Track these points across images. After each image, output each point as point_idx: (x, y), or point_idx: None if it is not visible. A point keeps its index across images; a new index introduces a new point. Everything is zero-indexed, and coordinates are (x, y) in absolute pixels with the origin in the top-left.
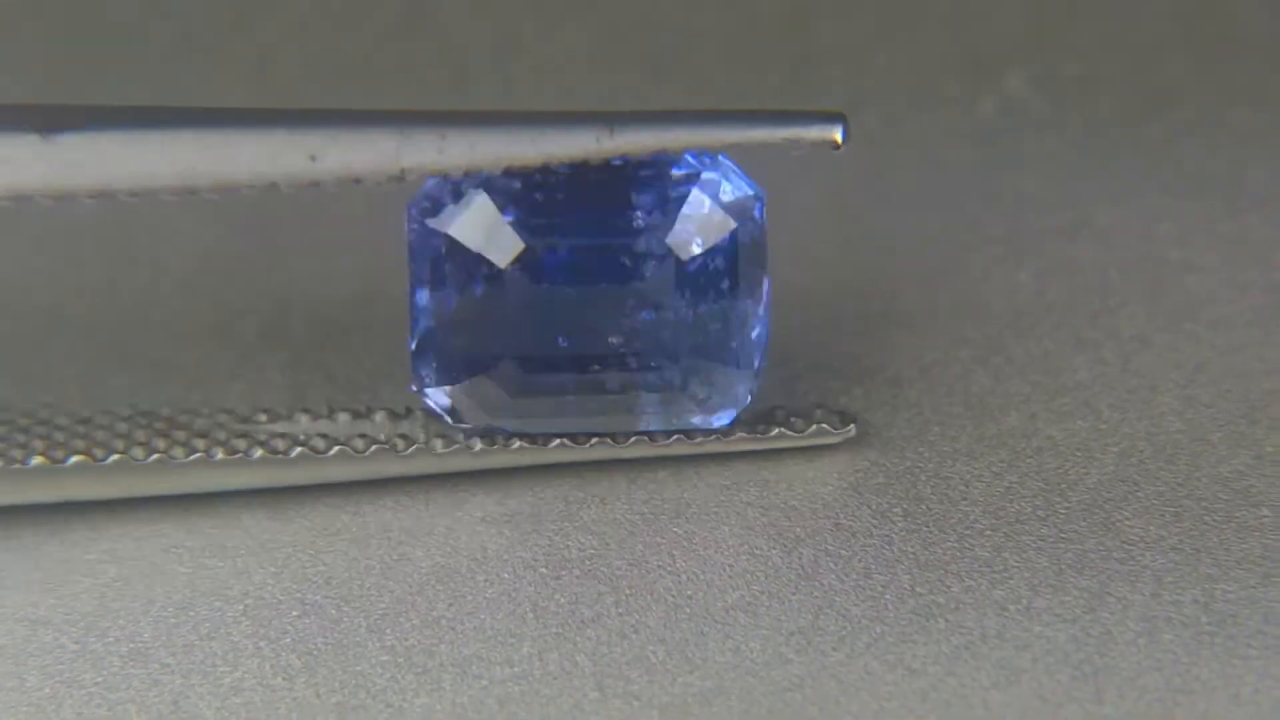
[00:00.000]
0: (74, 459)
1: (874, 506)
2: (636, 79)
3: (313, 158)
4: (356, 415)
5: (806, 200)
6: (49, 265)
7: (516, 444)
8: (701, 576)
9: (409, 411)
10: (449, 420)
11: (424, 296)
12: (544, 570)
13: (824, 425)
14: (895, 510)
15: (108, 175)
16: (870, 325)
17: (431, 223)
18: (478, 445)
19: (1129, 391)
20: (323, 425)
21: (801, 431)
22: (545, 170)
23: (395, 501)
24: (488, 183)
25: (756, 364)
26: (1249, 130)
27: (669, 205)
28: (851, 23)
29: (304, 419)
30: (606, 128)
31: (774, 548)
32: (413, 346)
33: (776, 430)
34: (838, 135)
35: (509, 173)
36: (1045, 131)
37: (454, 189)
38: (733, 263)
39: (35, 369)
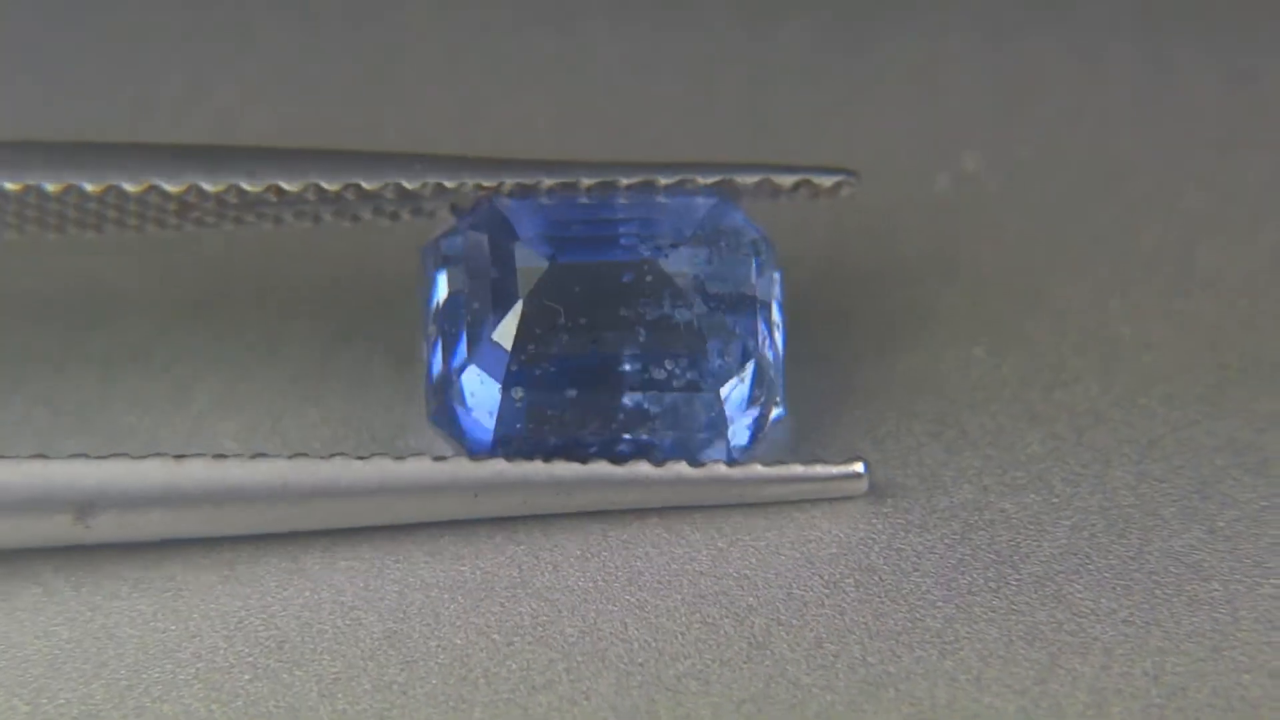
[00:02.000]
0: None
1: (826, 576)
2: (596, 145)
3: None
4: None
5: None
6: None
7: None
8: (653, 644)
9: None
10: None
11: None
12: (496, 637)
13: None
14: (848, 580)
15: (138, 539)
16: (825, 397)
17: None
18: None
19: (1082, 466)
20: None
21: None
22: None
23: (348, 565)
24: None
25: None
26: (1200, 210)
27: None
28: (809, 96)
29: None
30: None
31: (725, 616)
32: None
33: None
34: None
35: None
36: (1000, 207)
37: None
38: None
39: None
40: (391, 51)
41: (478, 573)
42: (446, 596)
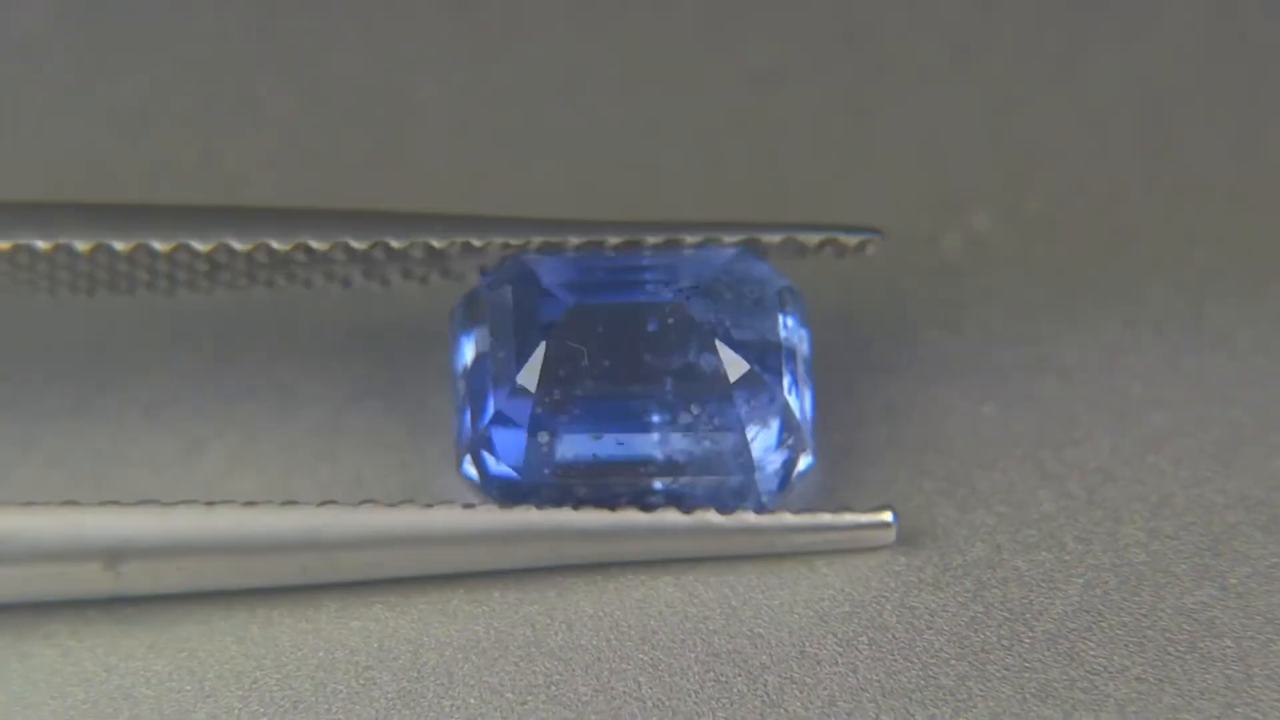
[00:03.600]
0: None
1: (840, 634)
2: (606, 208)
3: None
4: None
5: None
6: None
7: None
8: (667, 703)
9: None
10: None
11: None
12: (510, 696)
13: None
14: (861, 639)
15: (168, 589)
16: (835, 456)
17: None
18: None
19: (1094, 523)
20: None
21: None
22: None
23: (361, 625)
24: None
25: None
26: (1209, 268)
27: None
28: (817, 158)
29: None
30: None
31: (739, 675)
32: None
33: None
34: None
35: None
36: (1010, 267)
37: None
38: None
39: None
40: (402, 120)
41: (491, 632)
42: (460, 656)
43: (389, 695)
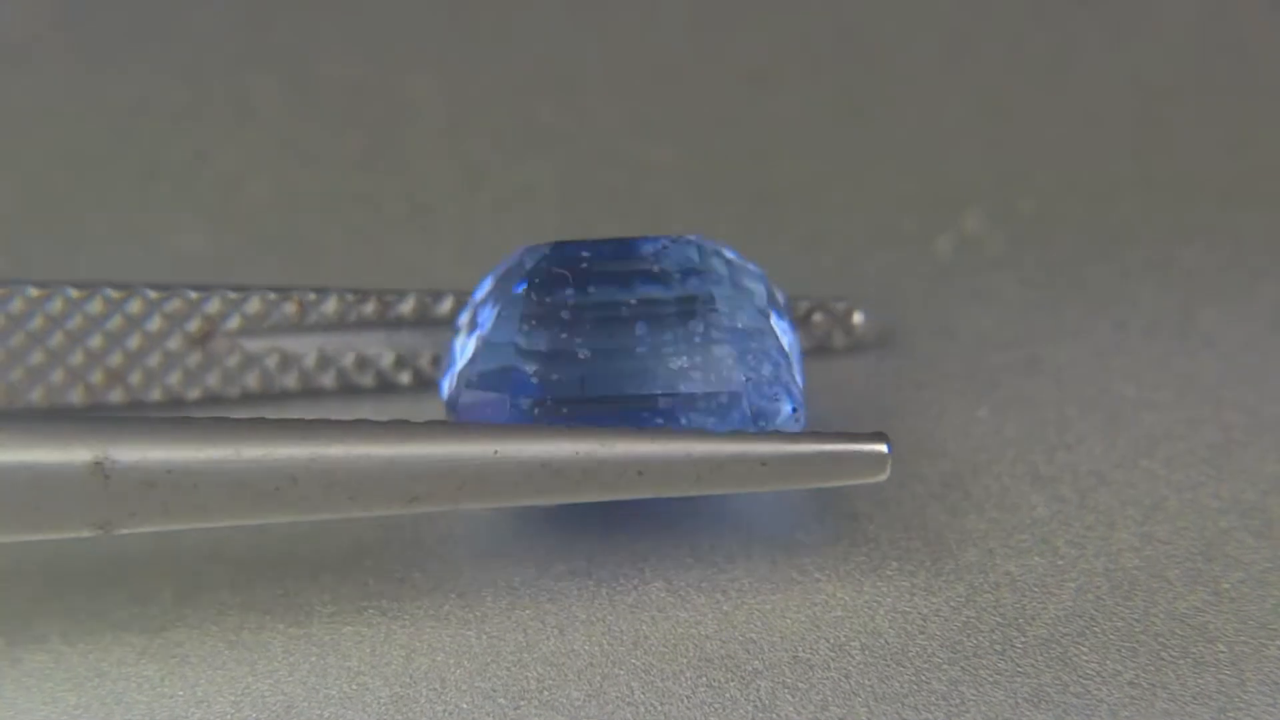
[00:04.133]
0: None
1: (831, 640)
2: (597, 213)
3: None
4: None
5: None
6: None
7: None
8: (659, 708)
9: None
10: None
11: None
12: (502, 701)
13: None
14: (853, 644)
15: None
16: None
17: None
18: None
19: (1086, 528)
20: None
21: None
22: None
23: (354, 630)
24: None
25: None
26: (1201, 269)
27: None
28: (809, 159)
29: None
30: (636, 472)
31: (731, 680)
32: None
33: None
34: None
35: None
36: (1001, 269)
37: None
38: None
39: None
40: (394, 119)
41: (484, 637)
42: (453, 661)
43: (381, 700)
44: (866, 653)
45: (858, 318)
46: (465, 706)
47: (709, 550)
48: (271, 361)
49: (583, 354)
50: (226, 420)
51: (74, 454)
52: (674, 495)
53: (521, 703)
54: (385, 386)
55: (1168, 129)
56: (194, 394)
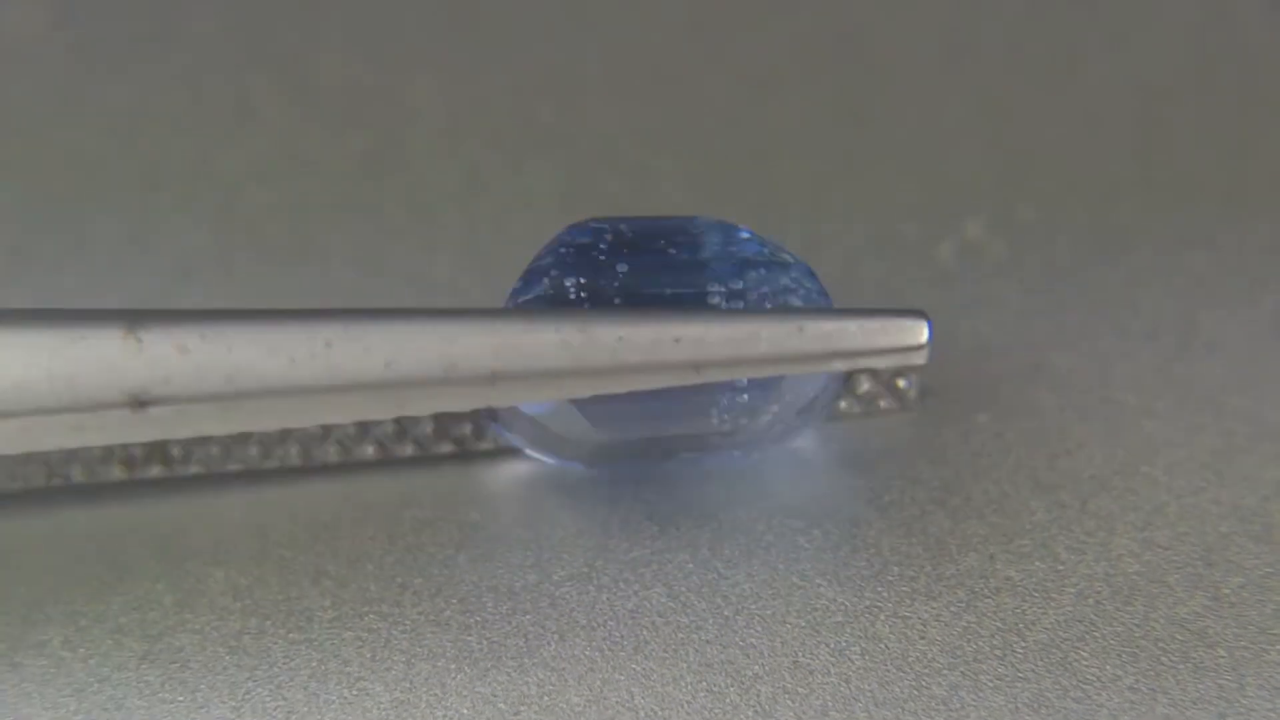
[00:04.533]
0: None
1: (832, 645)
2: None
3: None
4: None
5: None
6: None
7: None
8: (660, 713)
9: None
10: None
11: None
12: (503, 706)
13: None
14: (853, 649)
15: (200, 432)
16: (829, 465)
17: None
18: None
19: (1086, 533)
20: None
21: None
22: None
23: (354, 635)
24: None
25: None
26: (1203, 275)
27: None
28: (811, 165)
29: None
30: (691, 364)
31: (731, 685)
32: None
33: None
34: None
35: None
36: (1003, 275)
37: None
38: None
39: None
40: (395, 124)
41: (484, 642)
42: (453, 666)
43: (382, 705)
44: (867, 658)
45: (903, 384)
46: (466, 712)
47: (709, 556)
48: (311, 431)
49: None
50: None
51: (107, 325)
52: (710, 365)
53: (522, 708)
54: (427, 457)
55: (1169, 133)
56: (233, 467)
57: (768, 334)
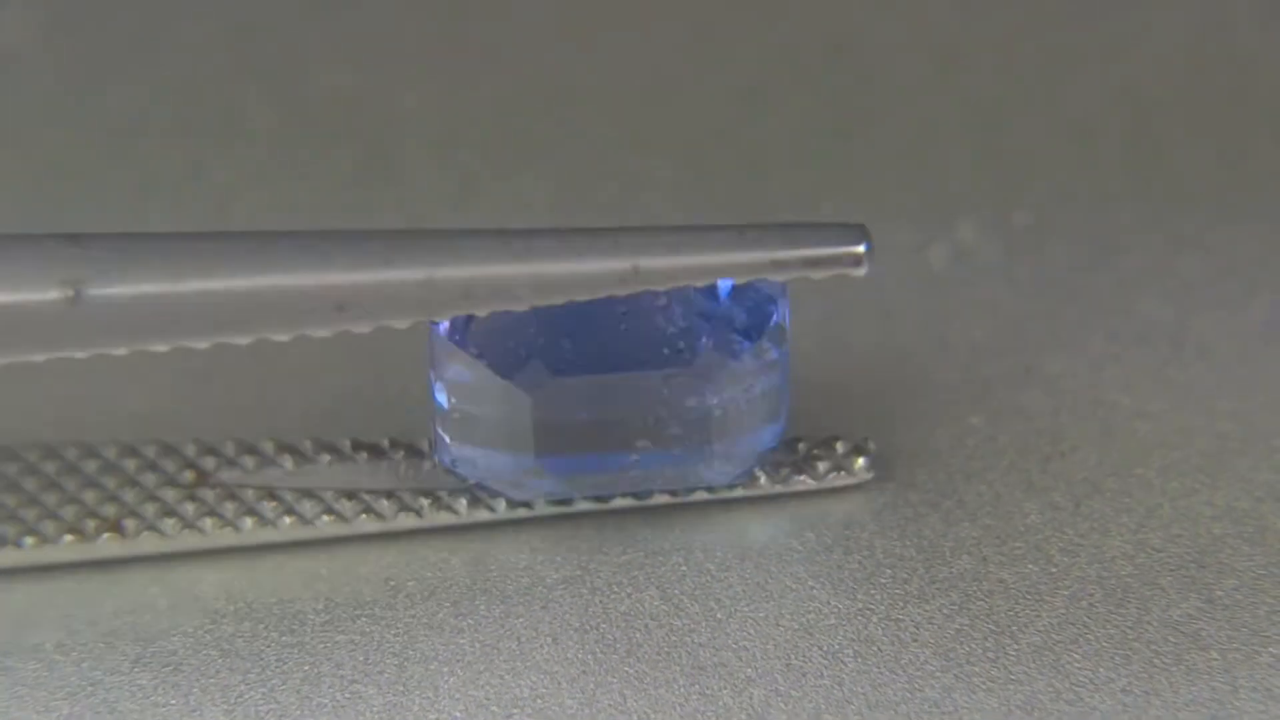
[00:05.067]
0: (105, 536)
1: (825, 647)
2: (592, 221)
3: (340, 308)
4: (375, 454)
5: None
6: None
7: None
8: (652, 716)
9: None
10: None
11: (442, 397)
12: (495, 709)
13: (841, 471)
14: (846, 651)
15: (137, 334)
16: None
17: (454, 341)
18: (501, 506)
19: (1080, 536)
20: (346, 470)
21: (820, 476)
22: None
23: (347, 639)
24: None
25: (779, 420)
26: (1195, 278)
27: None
28: (802, 170)
29: (326, 459)
30: (630, 267)
31: (724, 688)
32: (436, 427)
33: (800, 477)
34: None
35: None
36: (995, 279)
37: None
38: (767, 344)
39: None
40: (387, 133)
41: (477, 645)
42: (446, 669)
43: (375, 709)
44: (860, 660)
45: (861, 463)
46: (459, 715)
47: (702, 559)
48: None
49: None
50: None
51: (44, 239)
52: (650, 271)
53: (515, 711)
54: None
55: (1163, 141)
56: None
57: (709, 239)
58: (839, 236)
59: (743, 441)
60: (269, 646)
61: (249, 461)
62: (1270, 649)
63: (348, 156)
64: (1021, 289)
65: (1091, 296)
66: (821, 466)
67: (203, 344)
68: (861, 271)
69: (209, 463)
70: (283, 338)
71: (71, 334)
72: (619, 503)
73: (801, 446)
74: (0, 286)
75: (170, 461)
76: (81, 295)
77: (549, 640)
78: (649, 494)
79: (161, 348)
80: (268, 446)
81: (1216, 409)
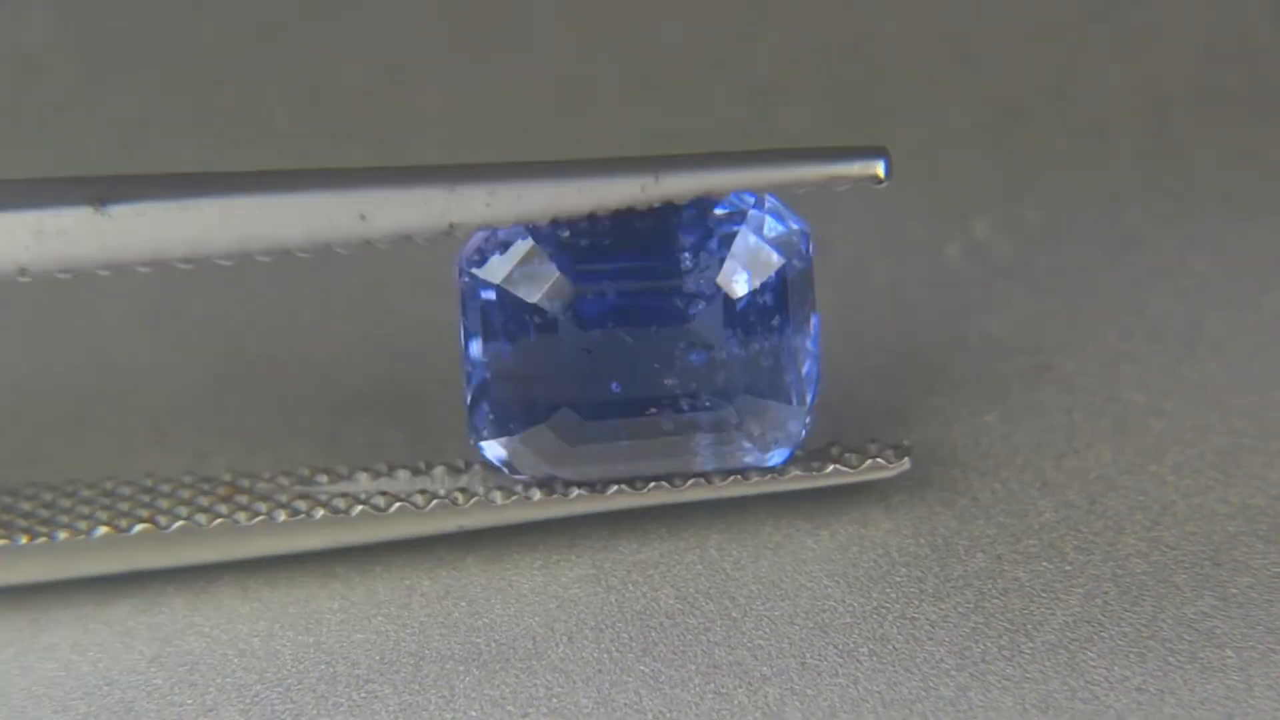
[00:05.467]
0: (139, 527)
1: (840, 645)
2: None
3: (363, 217)
4: (416, 472)
5: None
6: (94, 338)
7: (575, 492)
8: (668, 715)
9: (468, 465)
10: (506, 471)
11: (477, 348)
12: (511, 708)
13: (879, 460)
14: (861, 649)
15: (162, 244)
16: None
17: (481, 274)
18: (536, 495)
19: (1094, 533)
20: (383, 484)
21: (856, 467)
22: (592, 218)
23: (364, 638)
24: (535, 232)
25: (810, 400)
26: (1209, 276)
27: (716, 244)
28: None
29: (364, 477)
30: (652, 174)
31: (739, 686)
32: (468, 399)
33: (831, 467)
34: (880, 170)
35: (556, 222)
36: (1010, 276)
37: (502, 241)
38: (782, 299)
39: (89, 440)
40: (401, 130)
41: (492, 644)
42: (461, 669)
43: (391, 709)
44: (875, 659)
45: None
46: (474, 714)
47: (717, 557)
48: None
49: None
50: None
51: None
52: (670, 170)
53: (530, 710)
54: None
55: (1177, 137)
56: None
57: (728, 157)
58: (861, 163)
59: (768, 409)
60: (285, 646)
61: (285, 480)
62: None
63: (360, 153)
64: (1036, 286)
65: (1106, 294)
66: (855, 459)
67: (226, 258)
68: (882, 186)
69: (245, 483)
70: (305, 253)
71: (97, 246)
72: (651, 494)
73: (834, 450)
74: (30, 204)
75: (204, 483)
76: (106, 208)
77: (564, 639)
78: (684, 481)
79: (184, 263)
80: (304, 470)
81: (1230, 406)
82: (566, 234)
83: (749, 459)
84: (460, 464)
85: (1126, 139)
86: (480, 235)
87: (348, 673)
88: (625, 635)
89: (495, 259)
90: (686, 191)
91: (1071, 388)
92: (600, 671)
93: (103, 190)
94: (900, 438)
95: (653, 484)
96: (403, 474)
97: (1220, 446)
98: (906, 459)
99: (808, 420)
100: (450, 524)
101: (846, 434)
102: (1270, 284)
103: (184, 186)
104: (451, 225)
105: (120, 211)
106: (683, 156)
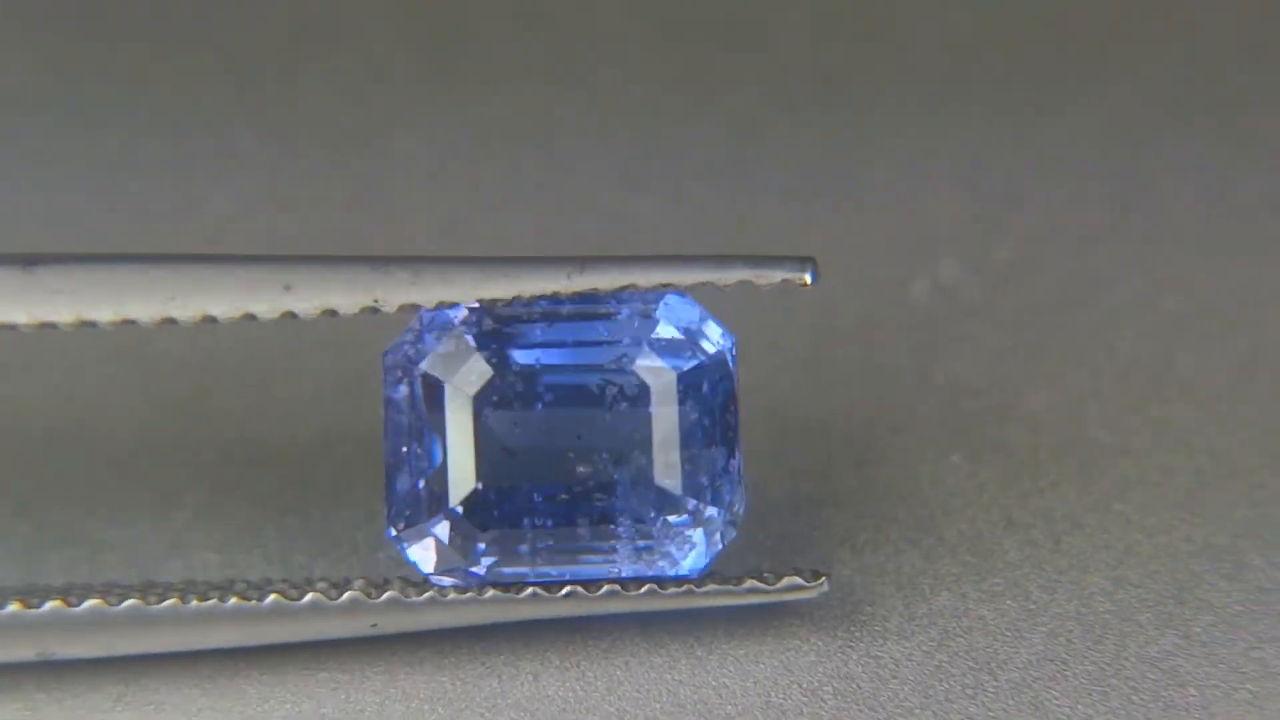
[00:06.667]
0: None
1: (804, 684)
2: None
3: (287, 287)
4: (334, 586)
5: (740, 379)
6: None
7: (490, 593)
8: None
9: (385, 583)
10: (422, 570)
11: (397, 442)
12: None
13: (797, 580)
14: (825, 689)
15: (89, 306)
16: (801, 505)
17: (400, 361)
18: (449, 595)
19: (1059, 572)
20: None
21: (773, 585)
22: (517, 315)
23: (329, 677)
24: (461, 321)
25: (736, 510)
26: (1177, 316)
27: (645, 348)
28: (788, 205)
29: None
30: (577, 266)
31: None
32: (387, 495)
33: (749, 583)
34: (808, 278)
35: (482, 307)
36: (977, 315)
37: (428, 328)
38: (708, 410)
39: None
40: (378, 168)
41: (458, 683)
42: (427, 708)
43: None
44: (839, 697)
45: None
46: None
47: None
48: None
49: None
50: None
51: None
52: (597, 261)
53: None
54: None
55: (1147, 177)
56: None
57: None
58: (788, 271)
59: (692, 515)
60: (250, 686)
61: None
62: (1248, 685)
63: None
64: (1003, 325)
65: (1073, 333)
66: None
67: (149, 319)
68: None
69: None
70: (229, 318)
71: (21, 302)
72: (564, 603)
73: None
74: None
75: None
76: (34, 267)
77: (529, 678)
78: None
79: (107, 321)
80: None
81: (1196, 446)
82: (491, 323)
83: (668, 568)
84: (379, 580)
85: (1096, 178)
86: (406, 332)
87: (313, 711)
88: (590, 674)
89: (417, 347)
90: (611, 284)
91: (1038, 426)
92: (565, 710)
93: (32, 256)
94: (821, 566)
95: (567, 590)
96: (321, 586)
97: (1185, 486)
98: (824, 580)
99: (730, 532)
100: (363, 624)
101: (810, 473)
102: (1239, 322)
103: (110, 256)
104: (376, 301)
105: (48, 272)
106: (609, 256)
